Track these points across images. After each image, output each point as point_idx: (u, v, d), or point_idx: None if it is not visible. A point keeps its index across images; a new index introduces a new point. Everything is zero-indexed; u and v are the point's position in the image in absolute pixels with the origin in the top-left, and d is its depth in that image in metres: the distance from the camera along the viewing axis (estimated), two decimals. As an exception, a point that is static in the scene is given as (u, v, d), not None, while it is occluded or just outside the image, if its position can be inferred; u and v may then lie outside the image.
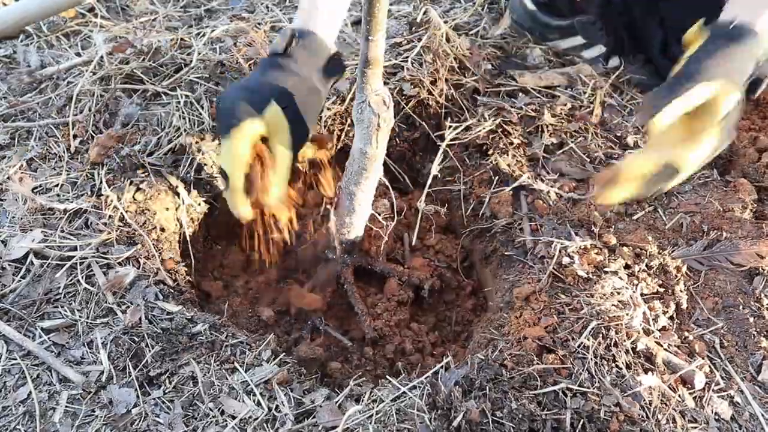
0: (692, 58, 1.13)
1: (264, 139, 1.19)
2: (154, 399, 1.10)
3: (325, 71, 1.25)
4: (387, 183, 1.40)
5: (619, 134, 1.59)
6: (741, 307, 1.24)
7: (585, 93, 1.67)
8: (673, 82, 1.10)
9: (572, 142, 1.55)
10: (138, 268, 1.28)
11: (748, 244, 1.31)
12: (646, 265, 1.30)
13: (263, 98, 1.16)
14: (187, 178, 1.47)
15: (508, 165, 1.51)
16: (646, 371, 1.11)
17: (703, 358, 1.17)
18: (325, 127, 1.63)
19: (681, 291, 1.27)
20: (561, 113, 1.61)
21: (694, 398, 1.12)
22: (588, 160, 1.53)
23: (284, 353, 1.21)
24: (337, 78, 1.31)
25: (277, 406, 1.09)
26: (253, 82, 1.21)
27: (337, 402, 1.10)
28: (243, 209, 1.20)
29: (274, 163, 1.20)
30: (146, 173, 1.42)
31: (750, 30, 1.15)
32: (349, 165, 1.25)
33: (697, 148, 1.12)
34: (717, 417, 1.10)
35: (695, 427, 1.07)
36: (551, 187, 1.47)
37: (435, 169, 1.55)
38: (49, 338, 1.19)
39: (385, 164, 1.38)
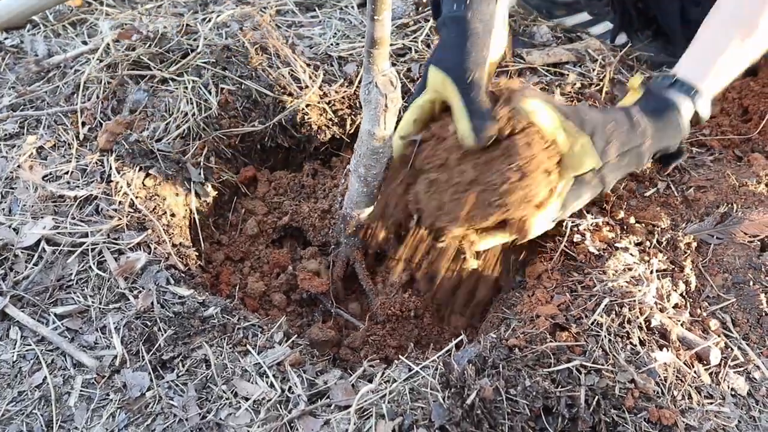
0: (594, 108, 1.12)
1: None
2: (167, 382, 1.11)
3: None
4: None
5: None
6: (751, 283, 1.23)
7: (594, 70, 1.65)
8: (573, 109, 1.08)
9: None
10: (149, 253, 1.28)
11: (761, 214, 1.29)
12: (657, 241, 1.29)
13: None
14: (196, 162, 1.47)
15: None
16: (660, 347, 1.10)
17: (718, 336, 1.16)
18: (334, 112, 1.62)
19: (690, 269, 1.25)
20: (570, 92, 1.60)
21: (710, 374, 1.11)
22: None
23: (296, 335, 1.21)
24: None
25: (290, 388, 1.09)
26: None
27: (350, 382, 1.10)
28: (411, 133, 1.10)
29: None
30: (155, 159, 1.42)
31: (686, 96, 1.14)
32: (358, 146, 1.24)
33: (547, 206, 1.09)
34: (733, 393, 1.09)
35: (711, 403, 1.06)
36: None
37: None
38: (62, 324, 1.19)
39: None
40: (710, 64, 1.17)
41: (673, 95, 1.15)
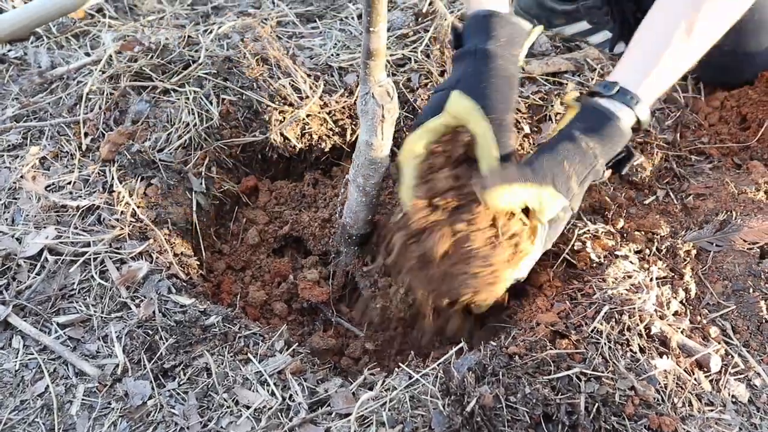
0: (543, 153, 1.12)
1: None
2: (168, 391, 1.11)
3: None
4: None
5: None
6: (751, 290, 1.23)
7: (593, 79, 1.66)
8: (527, 167, 1.09)
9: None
10: (151, 263, 1.29)
11: (760, 221, 1.29)
12: (657, 249, 1.29)
13: (447, 92, 1.11)
14: (198, 173, 1.48)
15: (519, 153, 1.51)
16: (660, 355, 1.10)
17: (718, 343, 1.16)
18: (334, 121, 1.63)
19: (689, 276, 1.25)
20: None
21: (711, 381, 1.11)
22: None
23: (297, 344, 1.21)
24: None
25: (290, 396, 1.10)
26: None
27: (350, 390, 1.10)
28: (407, 202, 1.14)
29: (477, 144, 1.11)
30: (157, 169, 1.43)
31: (624, 105, 1.14)
32: (356, 157, 1.25)
33: (529, 255, 1.13)
34: (734, 400, 1.09)
35: (712, 410, 1.06)
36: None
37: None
38: (64, 333, 1.20)
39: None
40: (649, 70, 1.16)
41: (612, 106, 1.14)
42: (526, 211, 1.12)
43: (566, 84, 1.64)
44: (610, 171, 1.20)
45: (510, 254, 1.10)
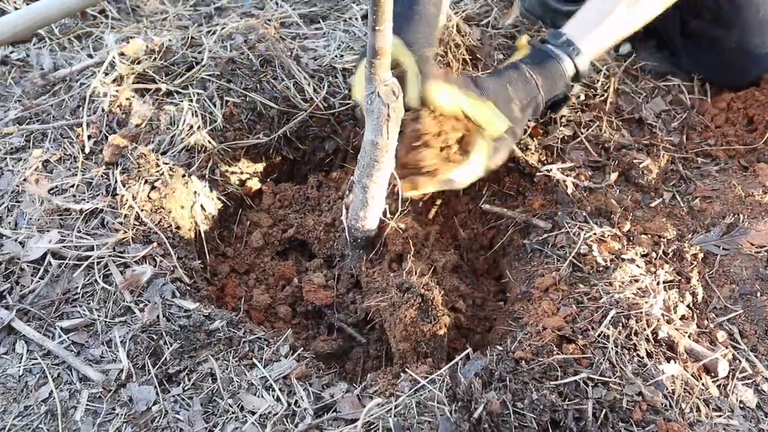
0: (490, 77, 1.27)
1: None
2: (173, 396, 1.11)
3: None
4: (396, 174, 1.39)
5: (634, 123, 1.57)
6: (759, 294, 1.22)
7: (598, 81, 1.65)
8: (471, 81, 1.23)
9: (587, 131, 1.53)
10: (154, 267, 1.29)
11: (767, 224, 1.28)
12: (663, 252, 1.29)
13: None
14: (202, 175, 1.47)
15: (524, 155, 1.50)
16: (668, 360, 1.10)
17: (726, 347, 1.15)
18: (338, 123, 1.62)
19: (696, 280, 1.25)
20: (575, 104, 1.59)
21: (718, 386, 1.10)
22: (603, 149, 1.51)
23: (302, 348, 1.21)
24: None
25: (296, 401, 1.09)
26: None
27: (356, 395, 1.09)
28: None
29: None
30: (160, 172, 1.43)
31: (566, 54, 1.29)
32: (361, 157, 1.24)
33: (468, 163, 1.25)
34: (742, 405, 1.08)
35: (720, 416, 1.05)
36: (568, 176, 1.45)
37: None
38: (68, 338, 1.19)
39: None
40: (593, 29, 1.33)
41: (556, 50, 1.31)
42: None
43: (572, 86, 1.62)
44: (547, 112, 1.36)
45: (445, 156, 1.25)
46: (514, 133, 1.27)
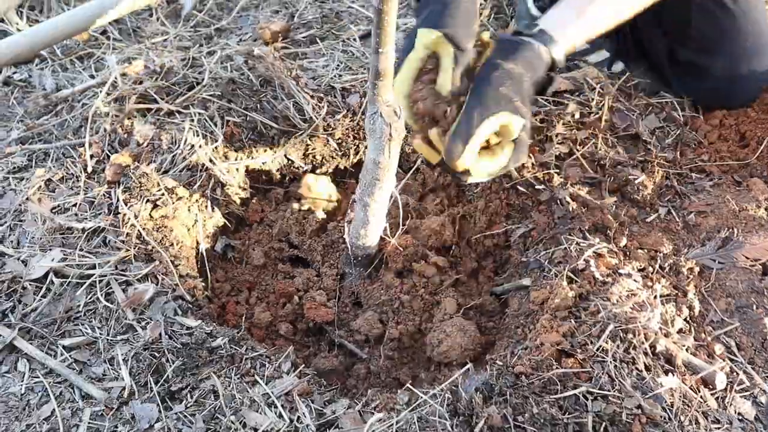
0: (475, 89, 1.16)
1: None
2: (176, 414, 1.11)
3: None
4: (397, 193, 1.41)
5: (629, 139, 1.59)
6: (755, 307, 1.24)
7: (593, 99, 1.67)
8: (463, 120, 1.13)
9: (583, 149, 1.55)
10: (156, 285, 1.30)
11: (762, 238, 1.30)
12: (660, 266, 1.30)
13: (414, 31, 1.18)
14: (203, 194, 1.49)
15: (521, 173, 1.52)
16: (666, 373, 1.11)
17: (723, 360, 1.16)
18: (338, 141, 1.64)
19: (693, 294, 1.26)
20: (570, 122, 1.62)
21: (717, 399, 1.11)
22: (599, 166, 1.53)
23: (303, 365, 1.21)
24: None
25: (298, 417, 1.10)
26: None
27: (358, 411, 1.10)
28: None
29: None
30: (162, 191, 1.44)
31: (538, 40, 1.22)
32: (363, 176, 1.26)
33: (492, 160, 1.17)
34: (740, 417, 1.09)
35: (719, 428, 1.06)
36: (565, 192, 1.47)
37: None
38: (70, 356, 1.20)
39: (398, 175, 1.39)
40: (569, 24, 1.28)
41: (525, 38, 1.23)
42: None
43: (567, 104, 1.65)
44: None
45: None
46: (528, 129, 1.21)
